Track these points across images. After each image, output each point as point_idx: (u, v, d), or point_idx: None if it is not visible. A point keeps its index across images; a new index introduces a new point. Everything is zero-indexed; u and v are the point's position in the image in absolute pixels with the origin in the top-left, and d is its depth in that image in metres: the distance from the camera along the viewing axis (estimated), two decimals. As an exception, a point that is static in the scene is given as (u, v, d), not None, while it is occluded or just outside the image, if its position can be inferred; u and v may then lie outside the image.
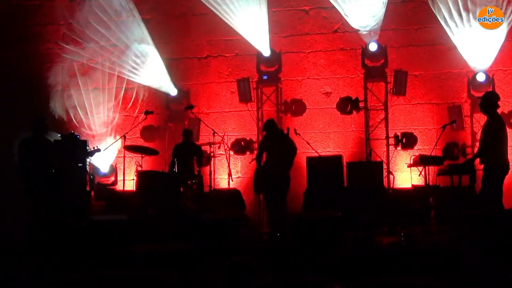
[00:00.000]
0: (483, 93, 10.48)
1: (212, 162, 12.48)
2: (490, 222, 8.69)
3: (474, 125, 12.40)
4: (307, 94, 13.40)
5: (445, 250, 8.81)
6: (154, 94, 13.75)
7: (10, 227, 11.15)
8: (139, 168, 12.33)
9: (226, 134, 13.02)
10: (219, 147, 12.67)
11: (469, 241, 8.71)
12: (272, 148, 10.93)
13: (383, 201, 11.25)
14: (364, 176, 11.59)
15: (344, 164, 11.90)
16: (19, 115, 12.98)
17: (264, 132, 11.43)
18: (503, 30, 12.22)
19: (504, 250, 8.27)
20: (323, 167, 11.72)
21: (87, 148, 12.10)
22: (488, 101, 9.67)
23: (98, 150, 11.39)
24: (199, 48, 13.89)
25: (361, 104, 12.73)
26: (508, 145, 9.66)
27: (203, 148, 12.49)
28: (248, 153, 13.00)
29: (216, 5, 13.02)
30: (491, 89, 12.13)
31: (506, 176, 9.47)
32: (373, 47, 12.56)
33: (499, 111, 9.55)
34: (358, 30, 12.84)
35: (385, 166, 12.24)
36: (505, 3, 12.23)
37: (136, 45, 13.58)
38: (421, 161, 10.81)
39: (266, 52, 13.01)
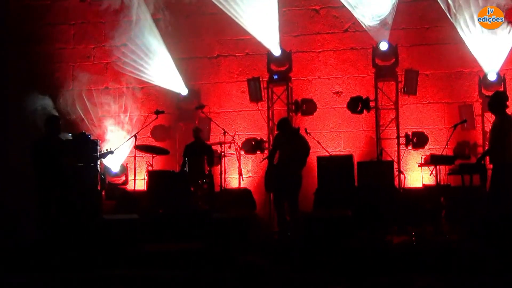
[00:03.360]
0: (494, 92, 10.46)
1: (222, 162, 12.49)
2: (501, 222, 8.69)
3: (485, 125, 12.33)
4: (317, 93, 13.39)
5: (456, 250, 8.78)
6: (165, 94, 13.76)
7: (21, 226, 11.20)
8: (150, 168, 12.36)
9: (236, 133, 13.02)
10: (229, 147, 12.68)
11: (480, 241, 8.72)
12: (285, 147, 10.95)
13: (394, 201, 11.23)
14: (375, 176, 11.58)
15: (355, 163, 11.87)
16: (29, 115, 13.06)
17: (277, 131, 11.47)
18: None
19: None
20: (334, 167, 11.69)
21: (99, 150, 12.12)
22: (498, 101, 9.67)
23: (111, 152, 11.32)
24: (210, 47, 13.90)
25: (372, 104, 12.70)
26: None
27: (214, 147, 12.51)
28: (258, 152, 12.99)
29: (226, 5, 13.02)
30: (502, 88, 12.09)
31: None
32: (383, 46, 12.51)
33: (509, 110, 9.58)
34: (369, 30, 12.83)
35: (396, 166, 12.18)
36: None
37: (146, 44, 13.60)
38: (432, 160, 10.78)
39: (276, 51, 12.99)
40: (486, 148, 11.53)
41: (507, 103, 9.77)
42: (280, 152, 11.11)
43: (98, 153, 11.93)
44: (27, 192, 10.86)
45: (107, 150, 11.40)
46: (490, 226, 8.81)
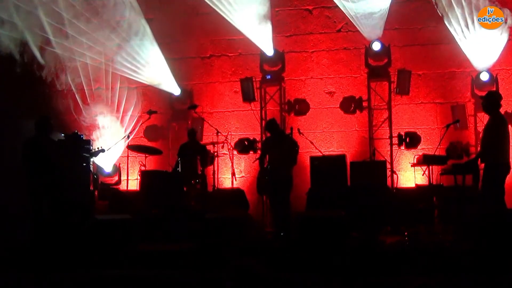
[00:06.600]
0: (486, 92, 10.47)
1: (215, 162, 12.49)
2: (493, 222, 8.71)
3: (477, 125, 12.38)
4: (310, 93, 13.40)
5: (449, 250, 8.80)
6: (158, 94, 13.75)
7: (14, 227, 11.16)
8: (143, 168, 12.34)
9: (229, 133, 13.02)
10: (222, 147, 12.69)
11: (473, 241, 8.73)
12: (275, 148, 10.95)
13: (387, 201, 11.25)
14: (368, 176, 11.60)
15: (348, 163, 11.90)
16: (22, 115, 12.98)
17: (268, 133, 11.49)
18: (507, 29, 12.20)
19: (506, 250, 8.29)
20: (327, 167, 11.72)
21: (91, 148, 12.07)
22: (491, 101, 9.66)
23: (102, 150, 11.33)
24: (203, 47, 13.91)
25: (365, 104, 12.76)
26: (510, 144, 9.64)
27: (207, 147, 12.50)
28: (251, 152, 12.98)
29: (219, 5, 13.00)
30: (494, 88, 12.12)
31: (509, 176, 9.45)
32: (376, 46, 12.54)
33: (502, 110, 9.57)
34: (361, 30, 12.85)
35: (388, 166, 12.20)
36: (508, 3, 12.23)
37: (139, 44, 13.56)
38: (425, 160, 10.80)
39: (269, 51, 13.00)
40: (479, 148, 11.55)
41: (501, 102, 9.79)
42: (269, 154, 11.13)
43: (90, 151, 11.90)
44: (20, 192, 10.80)
45: (98, 148, 11.38)
46: (482, 225, 8.83)
